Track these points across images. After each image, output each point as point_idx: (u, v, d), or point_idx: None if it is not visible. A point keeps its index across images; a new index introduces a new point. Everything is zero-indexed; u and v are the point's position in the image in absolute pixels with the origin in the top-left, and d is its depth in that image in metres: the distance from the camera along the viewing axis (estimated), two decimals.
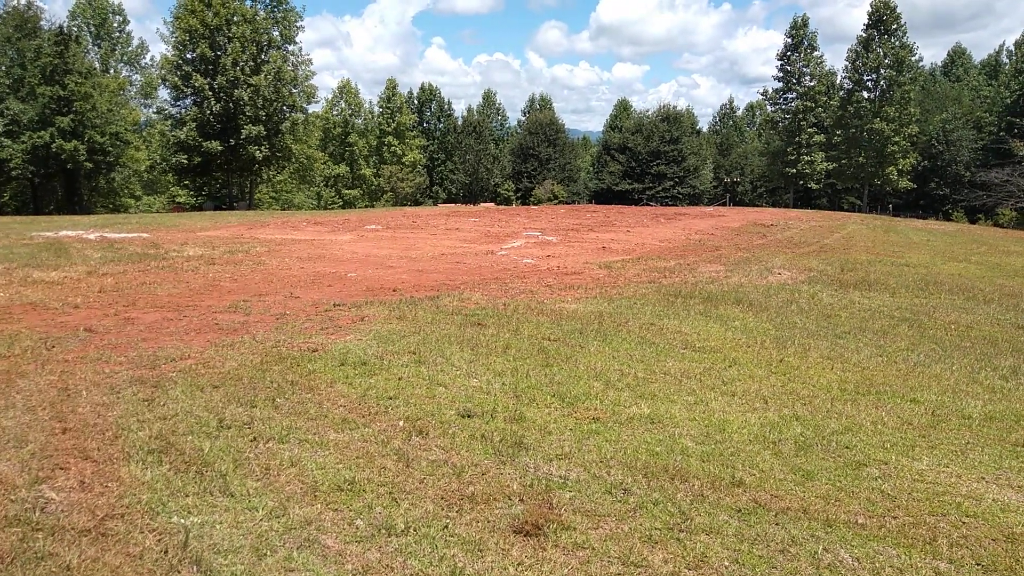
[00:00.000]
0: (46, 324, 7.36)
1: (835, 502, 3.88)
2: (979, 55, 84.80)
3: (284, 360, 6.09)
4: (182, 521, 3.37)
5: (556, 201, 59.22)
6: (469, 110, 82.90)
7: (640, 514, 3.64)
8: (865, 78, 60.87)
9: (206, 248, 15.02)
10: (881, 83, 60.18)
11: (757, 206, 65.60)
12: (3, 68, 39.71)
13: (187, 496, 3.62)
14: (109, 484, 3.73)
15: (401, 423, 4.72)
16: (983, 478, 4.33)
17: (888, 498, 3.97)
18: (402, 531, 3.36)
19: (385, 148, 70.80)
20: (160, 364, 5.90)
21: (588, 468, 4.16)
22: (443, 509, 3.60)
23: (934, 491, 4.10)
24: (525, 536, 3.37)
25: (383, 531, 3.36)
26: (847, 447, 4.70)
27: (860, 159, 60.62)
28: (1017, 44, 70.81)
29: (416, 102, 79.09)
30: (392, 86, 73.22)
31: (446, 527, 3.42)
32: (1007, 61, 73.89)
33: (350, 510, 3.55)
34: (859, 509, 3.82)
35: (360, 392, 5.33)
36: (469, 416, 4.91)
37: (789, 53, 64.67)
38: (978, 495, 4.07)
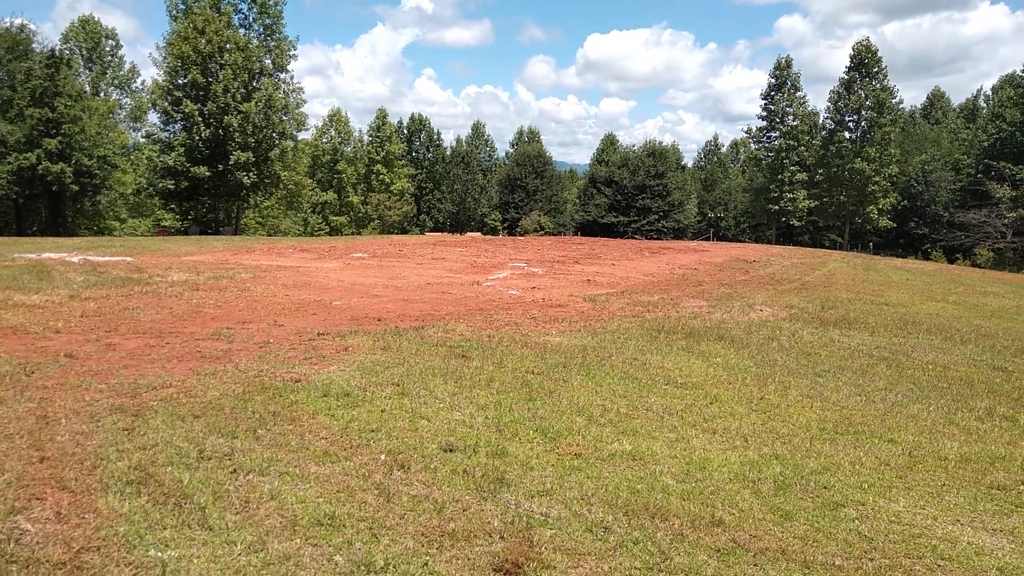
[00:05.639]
0: (26, 349, 7.29)
1: (813, 543, 3.92)
2: (957, 99, 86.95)
3: (266, 390, 6.07)
4: (159, 555, 3.34)
5: (542, 232, 59.55)
6: (458, 140, 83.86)
7: (620, 553, 3.65)
8: (847, 119, 62.34)
9: (190, 273, 14.95)
10: (862, 124, 61.61)
11: (740, 241, 66.37)
12: None
13: (165, 529, 3.59)
14: (86, 515, 3.69)
15: (383, 456, 4.72)
16: (959, 520, 4.39)
17: (865, 539, 4.02)
18: (381, 568, 3.35)
19: (373, 176, 71.16)
20: (141, 392, 5.86)
21: (569, 505, 4.17)
22: (423, 546, 3.59)
23: (910, 533, 4.15)
24: (505, 575, 3.37)
25: (362, 568, 3.34)
26: (825, 487, 4.75)
27: (841, 198, 61.74)
28: (994, 89, 72.98)
29: (406, 131, 79.76)
30: (382, 115, 73.93)
31: (426, 564, 3.41)
32: (984, 105, 76.05)
33: (329, 545, 3.53)
34: (837, 550, 3.85)
35: (342, 424, 5.31)
36: (451, 450, 4.91)
37: (773, 93, 66.10)
38: (954, 537, 4.13)
